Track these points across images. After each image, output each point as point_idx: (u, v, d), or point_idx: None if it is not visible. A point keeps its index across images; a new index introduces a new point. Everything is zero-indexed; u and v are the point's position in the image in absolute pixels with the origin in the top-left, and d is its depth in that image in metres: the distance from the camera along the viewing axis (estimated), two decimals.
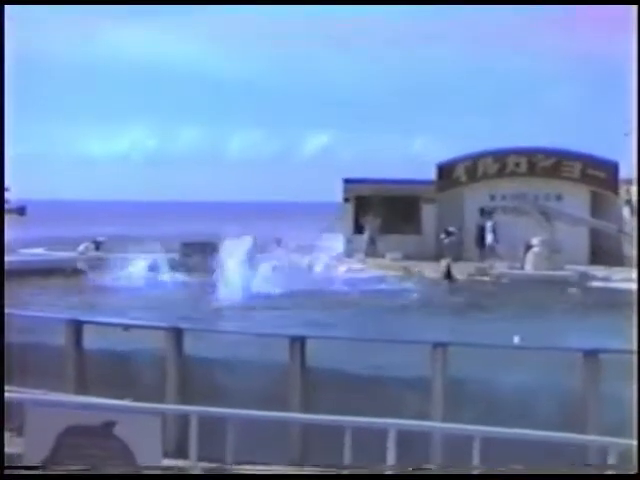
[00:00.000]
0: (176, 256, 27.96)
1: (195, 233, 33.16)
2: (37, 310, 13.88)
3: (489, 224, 31.18)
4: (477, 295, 22.82)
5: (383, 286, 24.08)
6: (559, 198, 31.90)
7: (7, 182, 17.63)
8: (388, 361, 10.21)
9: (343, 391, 9.84)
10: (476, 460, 6.40)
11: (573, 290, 23.39)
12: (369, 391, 9.79)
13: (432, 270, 26.98)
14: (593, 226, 30.87)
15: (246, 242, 23.75)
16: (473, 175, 33.25)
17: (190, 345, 10.37)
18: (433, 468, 7.15)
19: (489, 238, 30.86)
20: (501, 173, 32.97)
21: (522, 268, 27.64)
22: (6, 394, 7.13)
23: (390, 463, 6.45)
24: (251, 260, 23.35)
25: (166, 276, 24.57)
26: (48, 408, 6.73)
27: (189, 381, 10.27)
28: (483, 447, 6.42)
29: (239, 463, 7.04)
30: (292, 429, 9.25)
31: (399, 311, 18.94)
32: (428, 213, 33.14)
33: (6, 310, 10.26)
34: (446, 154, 35.23)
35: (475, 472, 6.23)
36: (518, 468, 5.89)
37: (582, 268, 27.11)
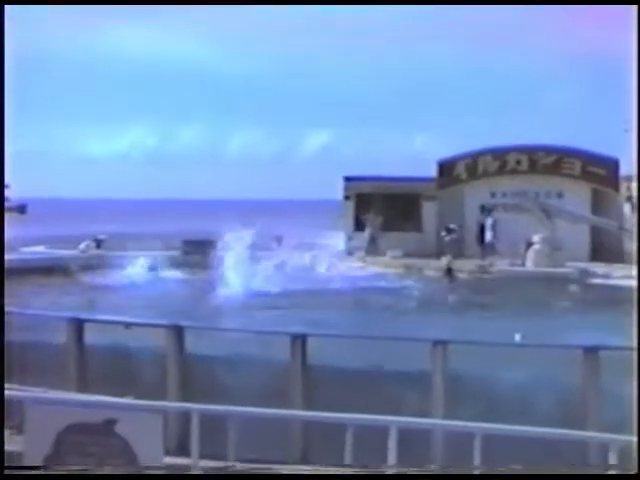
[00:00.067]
0: (177, 254, 28.00)
1: (196, 231, 33.12)
2: (37, 308, 13.88)
3: (489, 221, 31.19)
4: (478, 292, 22.83)
5: (384, 284, 24.08)
6: (560, 195, 31.89)
7: (7, 179, 17.64)
8: (389, 359, 10.21)
9: (344, 389, 9.84)
10: (477, 457, 6.41)
11: (573, 287, 23.40)
12: (370, 389, 9.79)
13: (433, 268, 26.98)
14: (594, 223, 30.87)
15: (247, 237, 23.73)
16: (474, 172, 33.24)
17: (191, 343, 10.37)
18: (434, 468, 7.17)
19: (488, 235, 30.87)
20: (502, 170, 32.95)
21: (523, 265, 27.67)
22: (6, 392, 7.14)
23: (391, 461, 6.46)
24: (252, 256, 23.35)
25: (167, 274, 24.59)
26: (49, 406, 6.73)
27: (190, 379, 10.27)
28: (484, 444, 6.43)
29: (240, 461, 7.06)
30: (293, 427, 9.26)
31: (400, 309, 18.94)
32: (429, 210, 33.13)
33: (6, 308, 10.28)
34: (446, 152, 35.27)
35: (476, 472, 6.25)
36: (518, 468, 5.90)
37: (583, 265, 27.14)
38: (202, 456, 6.96)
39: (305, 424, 9.04)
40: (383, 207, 32.67)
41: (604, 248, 30.10)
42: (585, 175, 32.23)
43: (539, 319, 16.21)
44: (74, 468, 6.08)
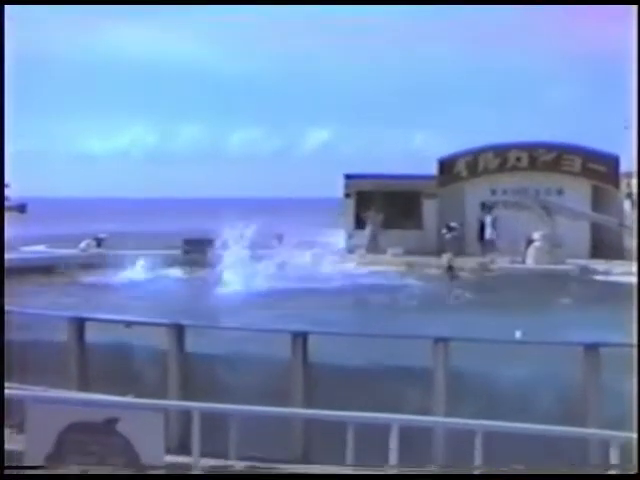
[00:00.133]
0: (177, 252, 28.00)
1: (196, 229, 33.11)
2: (38, 308, 13.86)
3: (489, 219, 31.19)
4: (479, 289, 22.81)
5: (384, 281, 24.07)
6: (560, 192, 31.88)
7: (7, 179, 17.63)
8: (390, 356, 10.21)
9: (345, 387, 9.84)
10: (478, 454, 6.41)
11: (574, 284, 23.39)
12: (371, 387, 9.79)
13: (434, 265, 26.97)
14: (594, 220, 30.87)
15: (247, 235, 23.72)
16: (474, 170, 33.23)
17: (192, 341, 10.37)
18: (434, 468, 7.17)
19: (488, 232, 30.88)
20: (502, 168, 32.94)
21: (523, 262, 27.67)
22: (6, 391, 7.14)
23: (393, 461, 6.46)
24: (252, 254, 23.34)
25: (167, 272, 24.58)
26: (50, 405, 6.73)
27: (191, 377, 10.27)
28: (485, 441, 6.43)
29: (241, 459, 7.06)
30: (294, 425, 9.26)
31: (401, 306, 18.93)
32: (429, 208, 33.12)
33: (6, 308, 10.28)
34: (447, 149, 35.25)
35: (476, 472, 6.25)
36: (519, 468, 5.90)
37: (583, 262, 27.13)
38: (203, 454, 6.96)
39: (306, 422, 9.05)
40: (384, 205, 32.65)
41: (604, 245, 30.10)
42: (585, 172, 32.22)
43: (540, 316, 16.20)
44: (75, 467, 6.08)
